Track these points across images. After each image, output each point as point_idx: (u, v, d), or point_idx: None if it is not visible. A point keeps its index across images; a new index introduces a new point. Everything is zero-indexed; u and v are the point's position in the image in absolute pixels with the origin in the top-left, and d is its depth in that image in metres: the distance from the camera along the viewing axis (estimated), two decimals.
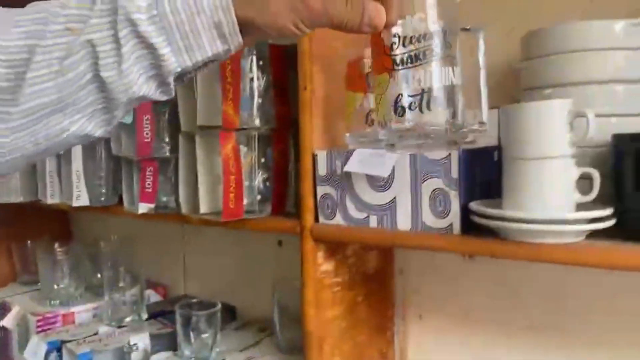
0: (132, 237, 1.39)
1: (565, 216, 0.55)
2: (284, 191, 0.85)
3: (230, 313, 1.19)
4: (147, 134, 0.89)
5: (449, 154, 0.62)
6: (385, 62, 0.50)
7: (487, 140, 0.66)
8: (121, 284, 1.13)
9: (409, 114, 0.49)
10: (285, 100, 0.84)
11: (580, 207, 0.56)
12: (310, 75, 0.71)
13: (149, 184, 0.91)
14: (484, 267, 0.84)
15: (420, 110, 0.49)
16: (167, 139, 0.91)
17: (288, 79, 0.82)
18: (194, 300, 1.03)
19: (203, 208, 0.83)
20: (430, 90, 0.49)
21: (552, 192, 0.55)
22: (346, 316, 0.82)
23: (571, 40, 0.64)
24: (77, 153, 1.07)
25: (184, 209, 0.87)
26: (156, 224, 1.32)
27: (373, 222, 0.69)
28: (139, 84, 0.47)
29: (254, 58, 0.79)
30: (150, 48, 0.45)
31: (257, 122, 0.79)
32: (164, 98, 0.50)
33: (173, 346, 1.02)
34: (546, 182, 0.55)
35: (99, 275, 1.33)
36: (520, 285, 0.81)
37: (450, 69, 0.50)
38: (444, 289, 0.90)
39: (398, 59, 0.49)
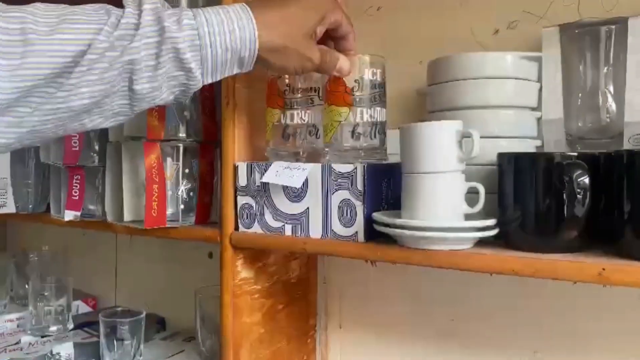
0: (65, 247, 1.38)
1: (453, 224, 0.60)
2: (209, 202, 0.88)
3: (160, 324, 1.20)
4: (75, 142, 0.90)
5: (355, 168, 0.67)
6: (346, 98, 0.69)
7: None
8: (46, 293, 1.12)
9: (361, 139, 0.70)
10: (212, 114, 0.87)
11: (468, 217, 0.62)
12: (232, 91, 0.75)
13: (75, 192, 0.92)
14: (400, 278, 0.89)
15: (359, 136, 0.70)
16: (96, 148, 0.92)
17: (215, 95, 0.86)
18: (120, 309, 1.04)
19: (127, 216, 0.85)
20: (364, 123, 0.69)
21: (443, 203, 0.61)
22: (265, 323, 0.85)
23: (469, 69, 0.70)
24: (5, 160, 1.06)
25: (109, 217, 0.89)
26: (89, 235, 1.31)
27: (288, 230, 0.73)
28: (164, 96, 0.55)
29: None
30: (185, 70, 0.54)
31: (182, 134, 0.83)
32: (176, 102, 0.60)
33: (97, 355, 1.02)
34: (437, 194, 0.61)
35: (26, 286, 1.31)
36: (430, 295, 0.87)
37: (380, 109, 0.71)
38: (362, 300, 0.94)
39: (357, 98, 0.69)
